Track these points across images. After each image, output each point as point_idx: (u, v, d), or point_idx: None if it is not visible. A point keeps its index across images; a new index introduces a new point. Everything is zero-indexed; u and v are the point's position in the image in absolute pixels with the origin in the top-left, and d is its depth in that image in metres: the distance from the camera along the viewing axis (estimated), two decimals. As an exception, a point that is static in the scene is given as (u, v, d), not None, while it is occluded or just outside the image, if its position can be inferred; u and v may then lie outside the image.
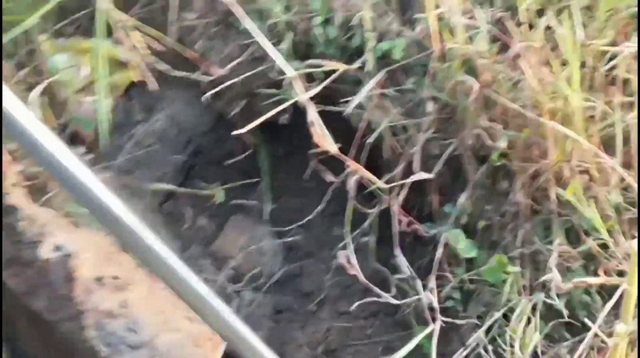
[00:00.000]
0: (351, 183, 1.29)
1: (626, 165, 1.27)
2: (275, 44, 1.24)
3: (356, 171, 1.26)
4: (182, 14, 1.45)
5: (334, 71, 1.24)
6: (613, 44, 1.26)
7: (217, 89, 1.36)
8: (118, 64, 1.53)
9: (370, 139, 1.29)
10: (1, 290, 0.73)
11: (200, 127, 1.66)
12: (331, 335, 1.56)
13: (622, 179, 1.25)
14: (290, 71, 1.19)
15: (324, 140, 1.15)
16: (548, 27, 1.25)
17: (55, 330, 0.79)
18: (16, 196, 0.95)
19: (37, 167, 1.04)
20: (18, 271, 0.80)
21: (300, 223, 1.57)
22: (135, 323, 0.76)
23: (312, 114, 1.17)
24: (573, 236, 1.30)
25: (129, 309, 0.78)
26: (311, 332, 1.55)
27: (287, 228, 1.65)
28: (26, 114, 0.73)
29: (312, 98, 1.19)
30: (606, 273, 1.27)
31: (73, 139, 1.55)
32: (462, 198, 1.33)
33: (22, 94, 1.37)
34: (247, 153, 1.66)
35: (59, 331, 0.78)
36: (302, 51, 1.29)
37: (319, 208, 1.48)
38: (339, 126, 1.28)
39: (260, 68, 1.31)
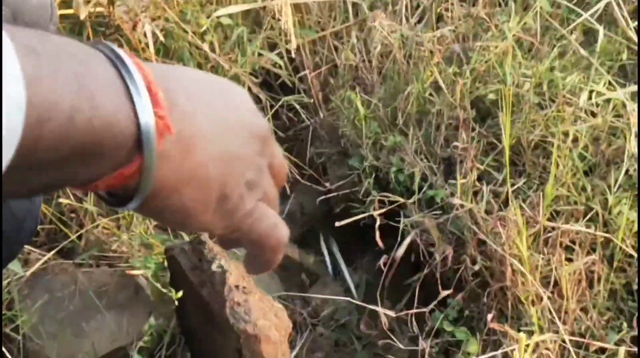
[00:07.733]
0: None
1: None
2: (366, 177, 2.00)
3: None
4: (316, 145, 2.26)
5: (397, 201, 1.97)
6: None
7: (328, 196, 2.14)
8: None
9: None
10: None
11: (316, 215, 2.40)
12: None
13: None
14: (372, 195, 1.94)
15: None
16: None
17: (210, 307, 1.48)
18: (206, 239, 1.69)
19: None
20: (198, 273, 1.54)
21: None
22: (249, 311, 1.50)
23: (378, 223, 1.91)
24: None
25: (248, 303, 1.51)
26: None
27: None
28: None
29: (380, 215, 1.93)
30: None
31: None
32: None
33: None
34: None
35: (212, 309, 1.48)
36: (382, 185, 2.02)
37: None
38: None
39: (354, 189, 2.08)
